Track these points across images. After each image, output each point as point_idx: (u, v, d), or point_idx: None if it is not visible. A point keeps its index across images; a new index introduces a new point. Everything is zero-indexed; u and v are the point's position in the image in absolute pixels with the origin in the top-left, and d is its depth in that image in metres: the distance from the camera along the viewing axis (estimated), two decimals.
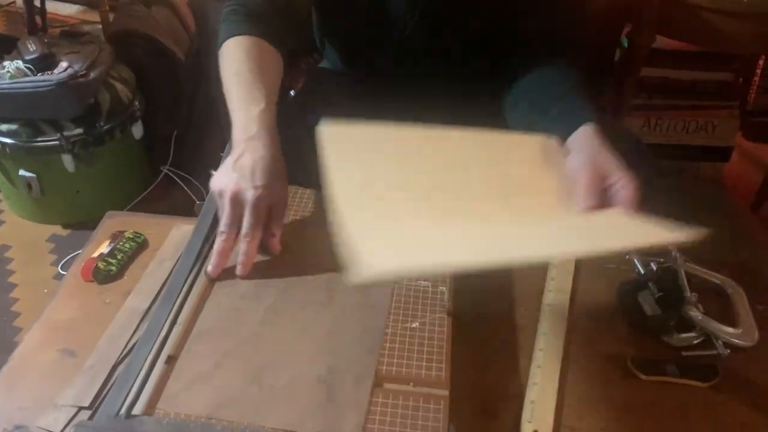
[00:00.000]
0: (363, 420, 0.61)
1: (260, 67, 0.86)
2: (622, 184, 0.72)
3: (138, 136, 1.61)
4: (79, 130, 1.46)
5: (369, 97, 1.03)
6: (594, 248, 0.64)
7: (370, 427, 0.61)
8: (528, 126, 0.87)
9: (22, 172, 1.50)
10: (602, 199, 0.73)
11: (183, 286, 0.76)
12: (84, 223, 1.56)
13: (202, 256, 0.80)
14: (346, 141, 0.77)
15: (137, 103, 1.59)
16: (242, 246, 0.77)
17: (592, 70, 1.45)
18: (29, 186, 1.51)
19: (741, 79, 1.84)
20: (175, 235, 0.94)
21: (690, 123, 1.76)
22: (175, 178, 1.69)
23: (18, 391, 0.72)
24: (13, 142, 1.45)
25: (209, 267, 0.77)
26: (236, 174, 0.78)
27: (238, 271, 0.77)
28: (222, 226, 0.78)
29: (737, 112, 1.75)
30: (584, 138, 0.79)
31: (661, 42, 1.69)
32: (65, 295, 0.85)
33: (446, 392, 0.65)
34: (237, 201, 0.77)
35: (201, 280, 0.77)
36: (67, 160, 1.48)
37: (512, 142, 0.82)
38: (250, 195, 0.77)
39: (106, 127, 1.50)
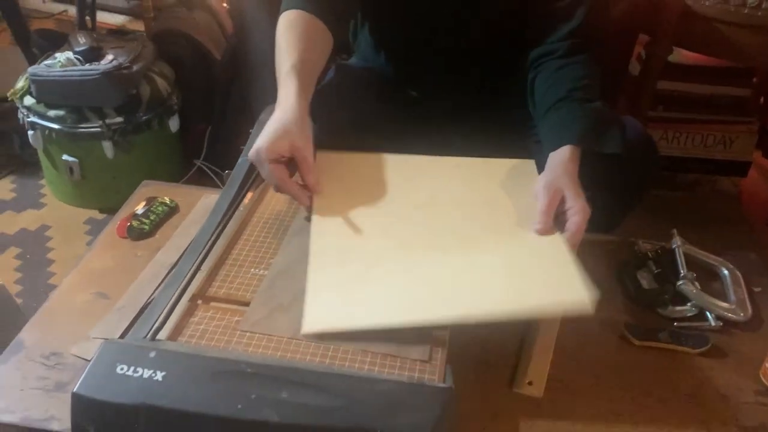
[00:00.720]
0: None
1: (300, 35, 0.89)
2: (574, 212, 0.77)
3: (174, 129, 1.70)
4: (120, 119, 1.55)
5: (392, 94, 1.08)
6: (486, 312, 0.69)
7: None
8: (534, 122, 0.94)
9: (65, 157, 1.60)
10: (553, 223, 0.77)
11: (207, 241, 0.82)
12: (118, 208, 1.64)
13: (226, 217, 0.87)
14: (334, 172, 0.86)
15: (175, 98, 1.68)
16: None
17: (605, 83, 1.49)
18: (71, 170, 1.61)
19: (762, 99, 1.86)
20: (204, 203, 1.02)
21: (707, 137, 1.78)
22: (208, 172, 1.77)
23: (54, 326, 0.79)
24: (59, 127, 1.55)
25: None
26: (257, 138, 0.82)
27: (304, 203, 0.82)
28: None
29: (755, 128, 1.77)
30: (558, 159, 0.83)
31: (679, 56, 1.74)
32: (101, 248, 0.93)
33: (446, 334, 0.69)
34: (257, 162, 0.80)
35: (223, 237, 0.83)
36: (107, 147, 1.57)
37: (494, 171, 0.90)
38: (262, 156, 0.79)
39: (144, 118, 1.59)
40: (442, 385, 0.63)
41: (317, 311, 0.70)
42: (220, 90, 1.81)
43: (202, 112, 1.83)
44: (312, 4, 0.92)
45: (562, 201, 0.78)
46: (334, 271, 0.74)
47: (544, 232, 0.76)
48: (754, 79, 1.78)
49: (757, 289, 0.88)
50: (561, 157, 0.83)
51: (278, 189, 0.81)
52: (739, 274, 0.89)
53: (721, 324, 0.81)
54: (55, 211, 1.70)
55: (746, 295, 0.85)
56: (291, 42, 0.88)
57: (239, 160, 0.96)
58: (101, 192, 1.67)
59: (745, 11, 1.40)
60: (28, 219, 1.67)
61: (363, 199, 0.83)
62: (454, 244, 0.77)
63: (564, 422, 0.69)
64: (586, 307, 0.66)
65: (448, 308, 0.69)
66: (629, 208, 0.98)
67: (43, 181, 1.78)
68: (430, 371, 0.65)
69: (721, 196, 1.86)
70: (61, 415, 0.67)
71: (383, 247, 0.77)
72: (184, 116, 1.75)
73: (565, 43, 0.96)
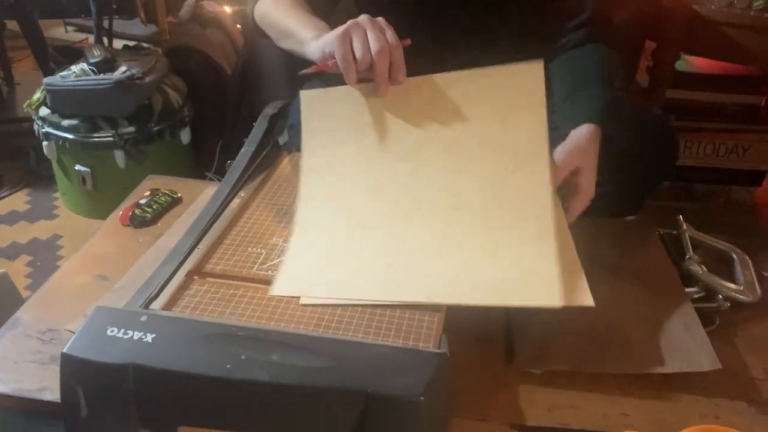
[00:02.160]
0: None
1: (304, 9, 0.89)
2: (578, 191, 0.76)
3: (186, 141, 1.73)
4: (132, 129, 1.58)
5: None
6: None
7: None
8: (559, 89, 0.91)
9: (78, 167, 1.62)
10: (561, 188, 0.76)
11: (207, 221, 0.82)
12: None
13: (227, 200, 0.87)
14: (325, 111, 0.81)
15: (186, 111, 1.71)
16: (376, 65, 0.74)
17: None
18: (83, 180, 1.63)
19: None
20: (207, 194, 1.02)
21: (720, 146, 1.77)
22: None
23: (52, 305, 0.79)
24: (72, 137, 1.58)
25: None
26: (332, 33, 0.76)
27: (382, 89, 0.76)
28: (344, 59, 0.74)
29: None
30: (578, 135, 0.81)
31: (688, 64, 1.74)
32: (103, 235, 0.93)
33: (443, 306, 0.68)
34: (355, 29, 0.75)
35: (222, 218, 0.84)
36: (119, 156, 1.60)
37: (495, 88, 0.79)
38: (362, 19, 0.75)
39: (156, 128, 1.62)
40: (436, 350, 0.62)
41: (290, 276, 0.70)
42: (231, 104, 1.84)
43: (214, 126, 1.85)
44: None
45: (575, 173, 0.77)
46: (315, 236, 0.74)
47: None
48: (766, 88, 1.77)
49: (766, 273, 0.86)
50: (581, 133, 0.81)
51: (378, 55, 0.73)
52: (747, 258, 0.86)
53: (729, 305, 0.79)
54: (68, 222, 1.72)
55: (755, 278, 0.83)
56: (303, 11, 0.87)
57: (242, 150, 0.97)
58: (113, 202, 1.67)
59: (752, 14, 1.40)
60: (41, 229, 1.69)
61: (351, 151, 0.79)
62: (438, 214, 0.75)
63: (563, 397, 0.67)
64: (555, 303, 0.65)
65: (419, 290, 0.68)
66: (647, 192, 0.97)
67: (56, 194, 1.81)
68: (425, 339, 0.64)
69: (736, 206, 1.83)
70: (54, 386, 0.66)
71: (367, 216, 0.76)
72: (195, 129, 1.78)
73: (578, 33, 0.95)
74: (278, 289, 0.70)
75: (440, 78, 0.80)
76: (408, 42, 0.78)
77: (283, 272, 0.72)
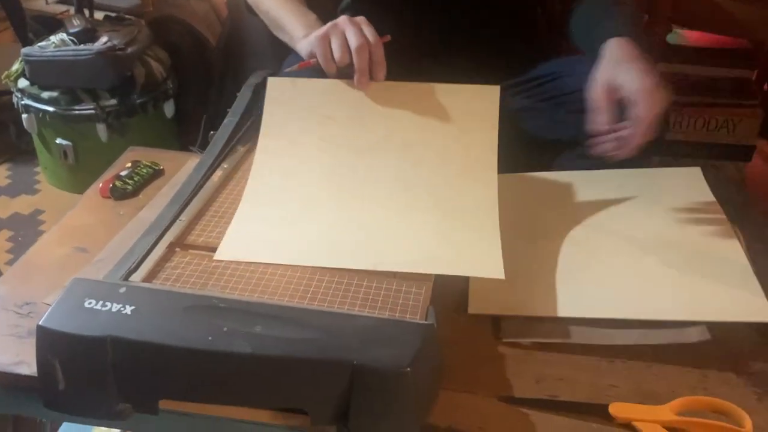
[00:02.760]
0: None
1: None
2: (632, 115, 0.74)
3: (169, 114, 1.69)
4: (114, 101, 1.54)
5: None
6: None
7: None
8: (580, 35, 0.94)
9: (59, 141, 1.59)
10: (610, 114, 0.76)
11: (189, 193, 0.80)
12: None
13: (209, 171, 0.85)
14: (289, 99, 0.85)
15: (170, 83, 1.67)
16: (356, 60, 0.80)
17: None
18: (65, 154, 1.60)
19: (766, 85, 1.83)
20: (189, 166, 0.99)
21: (710, 121, 1.75)
22: None
23: (30, 278, 0.77)
24: (53, 110, 1.54)
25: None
26: (314, 33, 0.82)
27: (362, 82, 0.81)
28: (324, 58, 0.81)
29: (759, 111, 1.74)
30: (611, 48, 0.81)
31: (680, 38, 1.72)
32: (83, 207, 0.91)
33: (431, 277, 0.67)
34: (333, 30, 0.80)
35: (205, 190, 0.81)
36: (101, 130, 1.56)
37: (454, 101, 0.85)
38: (341, 20, 0.81)
39: (139, 101, 1.58)
40: (423, 321, 0.60)
41: (235, 241, 0.71)
42: (216, 76, 1.80)
43: (198, 99, 1.82)
44: None
45: (617, 90, 0.77)
46: (263, 206, 0.75)
47: (596, 132, 0.76)
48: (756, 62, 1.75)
49: (757, 246, 0.85)
50: (613, 45, 0.80)
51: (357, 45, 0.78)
52: (737, 229, 0.86)
53: None
54: (49, 196, 1.69)
55: (743, 248, 0.82)
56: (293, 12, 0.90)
57: (225, 121, 0.95)
58: (95, 176, 1.65)
59: None
60: (22, 204, 1.66)
61: (310, 138, 0.82)
62: (390, 197, 0.76)
63: (552, 368, 0.66)
64: (498, 275, 0.67)
65: (366, 257, 0.69)
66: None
67: (38, 169, 1.78)
68: (412, 310, 0.63)
69: (726, 181, 1.82)
70: (31, 359, 0.64)
71: (319, 193, 0.77)
72: (179, 102, 1.74)
73: None
74: (220, 254, 0.70)
75: (406, 86, 0.85)
76: (388, 37, 0.82)
77: (227, 237, 0.72)
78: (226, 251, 0.70)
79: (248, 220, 0.74)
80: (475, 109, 0.84)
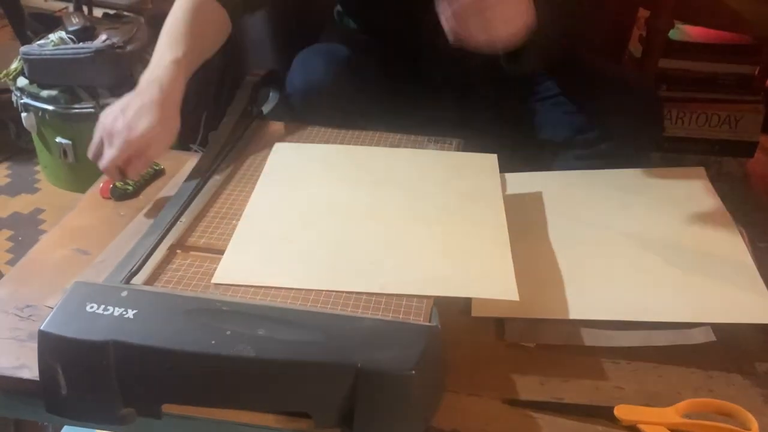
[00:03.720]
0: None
1: (194, 22, 0.89)
2: None
3: None
4: (114, 99, 1.53)
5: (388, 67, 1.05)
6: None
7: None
8: None
9: (58, 139, 1.58)
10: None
11: (189, 194, 0.79)
12: None
13: (209, 172, 0.84)
14: (290, 160, 0.85)
15: None
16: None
17: (606, 56, 1.46)
18: (64, 153, 1.59)
19: None
20: (190, 166, 0.99)
21: (712, 116, 1.75)
22: None
23: (31, 280, 0.77)
24: (52, 108, 1.54)
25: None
26: (118, 110, 0.84)
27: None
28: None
29: (761, 107, 1.73)
30: None
31: (682, 33, 1.71)
32: (83, 208, 0.90)
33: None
34: (108, 133, 0.84)
35: (205, 191, 0.81)
36: None
37: (452, 162, 0.86)
38: (117, 130, 0.82)
39: None
40: (427, 323, 0.60)
41: (233, 263, 0.67)
42: (216, 75, 1.79)
43: (198, 98, 1.81)
44: None
45: None
46: (263, 226, 0.73)
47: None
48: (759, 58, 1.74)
49: (760, 244, 0.85)
50: None
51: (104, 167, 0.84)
52: (741, 229, 0.85)
53: None
54: (49, 196, 1.69)
55: (748, 249, 0.81)
56: (186, 27, 0.88)
57: (224, 120, 0.94)
58: (95, 175, 1.63)
59: None
60: (22, 203, 1.65)
61: (313, 173, 0.83)
62: (396, 218, 0.75)
63: (556, 371, 0.66)
64: (512, 297, 0.64)
65: (371, 281, 0.66)
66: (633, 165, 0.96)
67: (37, 168, 1.77)
68: (416, 313, 0.62)
69: (728, 177, 1.82)
70: (32, 363, 0.63)
71: (321, 214, 0.75)
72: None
73: None
74: (219, 277, 0.66)
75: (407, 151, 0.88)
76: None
77: (225, 259, 0.68)
78: (224, 274, 0.66)
79: (248, 240, 0.71)
80: (475, 164, 0.85)
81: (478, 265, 0.69)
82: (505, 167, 0.86)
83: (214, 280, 0.66)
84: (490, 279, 0.67)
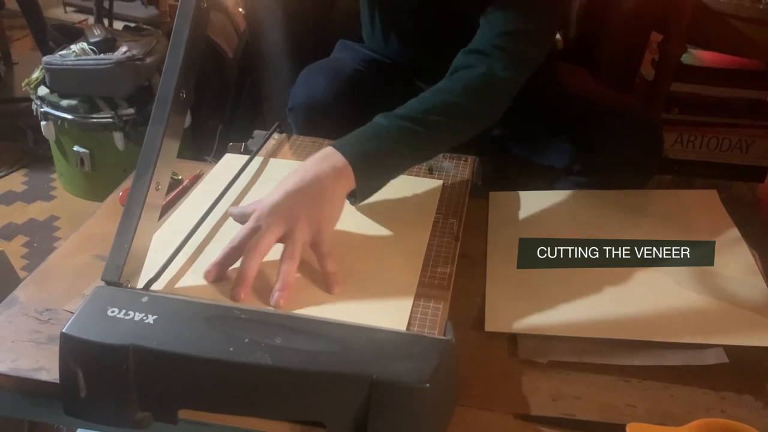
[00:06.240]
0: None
1: None
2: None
3: (185, 124, 1.71)
4: (131, 110, 1.57)
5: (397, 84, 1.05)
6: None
7: None
8: None
9: (76, 148, 1.61)
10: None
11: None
12: None
13: (232, 180, 0.86)
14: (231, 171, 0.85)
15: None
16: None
17: (618, 79, 1.47)
18: (81, 161, 1.62)
19: None
20: (207, 175, 1.00)
21: (723, 141, 1.76)
22: None
23: (50, 284, 0.78)
24: (71, 117, 1.56)
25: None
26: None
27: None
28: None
29: None
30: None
31: (694, 58, 1.72)
32: (102, 215, 0.92)
33: (448, 294, 0.67)
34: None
35: (226, 197, 0.82)
36: (118, 138, 1.58)
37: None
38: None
39: None
40: (441, 337, 0.61)
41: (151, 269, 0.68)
42: (232, 88, 1.82)
43: (214, 110, 1.84)
44: None
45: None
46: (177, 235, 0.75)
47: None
48: None
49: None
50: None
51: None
52: (754, 251, 0.85)
53: None
54: (65, 203, 1.71)
55: (761, 273, 0.82)
56: None
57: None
58: (111, 184, 1.66)
59: (761, 7, 1.38)
60: (38, 210, 1.68)
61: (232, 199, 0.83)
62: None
63: (568, 387, 0.66)
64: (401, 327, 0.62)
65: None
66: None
67: (54, 176, 1.80)
68: (430, 326, 0.63)
69: (738, 201, 1.82)
70: (51, 366, 0.65)
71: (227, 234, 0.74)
72: (196, 113, 1.76)
73: (494, 51, 0.83)
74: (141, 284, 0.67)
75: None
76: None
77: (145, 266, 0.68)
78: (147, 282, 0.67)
79: (163, 247, 0.71)
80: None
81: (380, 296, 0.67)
82: (513, 186, 0.86)
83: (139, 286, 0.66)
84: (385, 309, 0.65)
